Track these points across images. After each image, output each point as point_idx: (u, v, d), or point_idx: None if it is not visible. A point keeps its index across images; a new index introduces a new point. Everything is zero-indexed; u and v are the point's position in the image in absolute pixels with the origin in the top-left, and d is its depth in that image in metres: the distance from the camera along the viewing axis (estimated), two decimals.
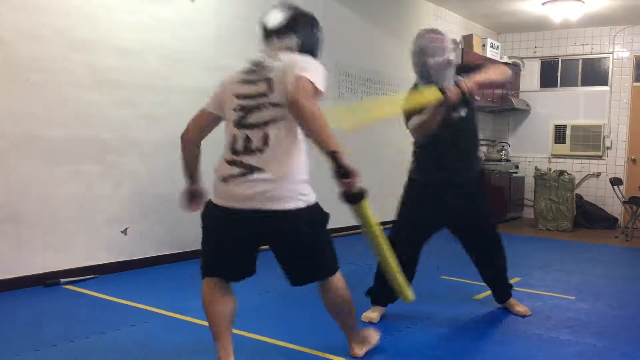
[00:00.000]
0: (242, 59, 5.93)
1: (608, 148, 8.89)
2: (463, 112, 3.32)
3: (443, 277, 4.67)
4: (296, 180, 2.35)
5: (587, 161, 9.05)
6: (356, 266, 4.73)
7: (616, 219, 8.55)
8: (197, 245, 5.07)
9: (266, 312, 3.61)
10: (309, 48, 2.55)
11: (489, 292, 4.22)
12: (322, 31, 2.71)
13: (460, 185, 3.41)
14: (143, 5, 4.56)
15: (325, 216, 2.54)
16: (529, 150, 9.52)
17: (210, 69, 5.10)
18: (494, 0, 7.66)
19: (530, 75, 9.49)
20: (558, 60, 9.32)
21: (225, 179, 2.38)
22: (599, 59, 9.01)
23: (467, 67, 3.49)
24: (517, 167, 9.29)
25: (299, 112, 2.16)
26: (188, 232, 5.00)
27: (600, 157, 8.95)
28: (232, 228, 2.36)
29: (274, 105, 2.32)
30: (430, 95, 2.98)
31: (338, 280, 2.60)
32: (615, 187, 7.83)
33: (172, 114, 4.82)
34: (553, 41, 9.30)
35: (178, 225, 4.91)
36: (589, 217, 8.48)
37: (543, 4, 7.59)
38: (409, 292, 2.74)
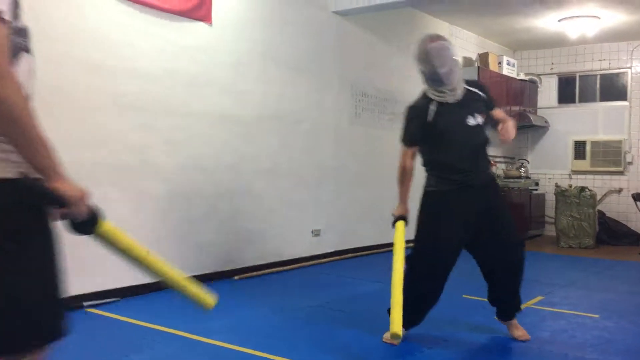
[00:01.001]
0: (260, 83, 6.04)
1: (629, 163, 8.79)
2: (480, 120, 3.33)
3: (465, 296, 4.63)
4: None
5: (608, 177, 8.95)
6: (382, 284, 4.72)
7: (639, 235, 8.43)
8: (216, 267, 5.12)
9: (285, 334, 3.61)
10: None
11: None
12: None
13: (481, 188, 3.33)
14: (162, 31, 4.66)
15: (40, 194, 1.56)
16: (548, 167, 9.44)
17: (229, 94, 5.18)
18: (509, 17, 7.68)
19: (548, 92, 9.45)
20: (575, 76, 9.28)
21: None
22: (617, 74, 8.96)
23: (473, 82, 3.51)
24: (537, 184, 9.21)
25: None
26: (208, 254, 5.05)
27: (621, 173, 8.85)
28: None
29: None
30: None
31: None
32: (638, 203, 7.73)
33: (191, 138, 4.89)
34: (570, 57, 9.28)
35: (199, 248, 4.95)
36: (612, 233, 8.36)
37: (559, 20, 7.58)
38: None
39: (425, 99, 3.36)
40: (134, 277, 4.48)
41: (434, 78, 3.23)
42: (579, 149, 9.11)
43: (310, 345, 3.38)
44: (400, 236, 3.26)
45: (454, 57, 3.23)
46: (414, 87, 7.44)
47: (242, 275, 5.22)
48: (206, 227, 5.03)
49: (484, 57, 8.60)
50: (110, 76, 4.32)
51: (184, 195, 4.84)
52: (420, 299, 3.35)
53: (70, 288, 4.27)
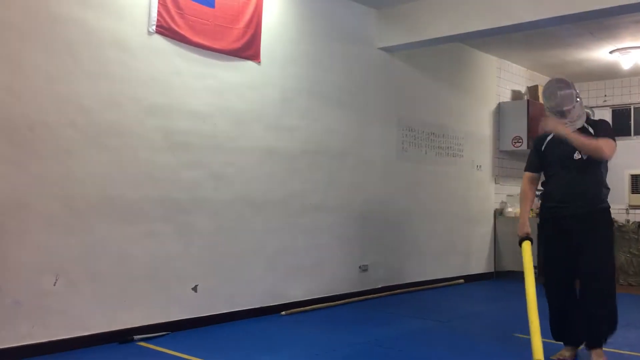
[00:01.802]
0: (306, 119, 6.14)
1: None
2: (584, 156, 3.66)
3: (515, 334, 4.48)
4: None
5: None
6: (429, 321, 4.62)
7: None
8: (263, 302, 5.14)
9: None
10: None
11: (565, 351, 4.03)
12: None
13: (574, 219, 3.65)
14: (212, 70, 4.80)
15: None
16: None
17: (275, 129, 5.26)
18: (559, 50, 7.58)
19: None
20: (630, 108, 9.03)
21: None
22: None
23: (593, 121, 3.88)
24: None
25: None
26: (255, 289, 5.06)
27: None
28: None
29: None
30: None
31: None
32: None
33: (239, 173, 4.97)
34: (624, 89, 9.05)
35: (246, 283, 4.98)
36: None
37: (610, 52, 7.44)
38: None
39: (547, 133, 3.86)
40: (184, 311, 4.55)
41: (555, 111, 3.73)
42: (636, 182, 8.80)
43: None
44: (529, 257, 3.54)
45: (576, 101, 3.72)
46: (460, 121, 7.44)
47: (289, 311, 5.20)
48: (254, 262, 5.06)
49: (533, 90, 8.48)
50: (162, 115, 4.46)
51: (231, 229, 4.90)
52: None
53: (121, 321, 4.37)
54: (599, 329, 3.66)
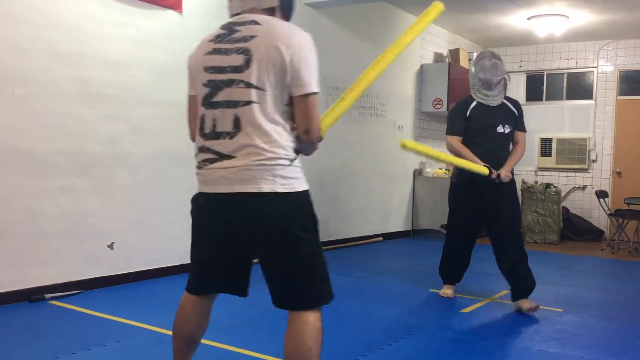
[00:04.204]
0: None
1: (593, 161, 8.98)
2: (507, 129, 4.17)
3: (432, 290, 4.67)
4: (276, 161, 1.98)
5: (573, 174, 9.13)
6: (351, 278, 4.72)
7: (602, 232, 8.62)
8: (183, 259, 5.06)
9: (251, 326, 3.58)
10: (288, 5, 2.16)
11: (477, 305, 4.25)
12: None
13: (496, 184, 4.04)
14: (131, 18, 4.56)
15: (314, 216, 2.11)
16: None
17: None
18: (480, 14, 7.74)
19: (516, 89, 9.58)
20: (543, 74, 9.43)
21: (198, 166, 2.12)
22: (584, 73, 9.13)
23: (512, 100, 4.32)
24: None
25: (311, 147, 2.11)
26: (175, 246, 4.98)
27: (585, 170, 9.03)
28: (213, 219, 2.10)
29: (249, 85, 1.96)
30: (479, 169, 3.92)
31: (314, 322, 2.03)
32: (601, 200, 7.90)
33: (160, 127, 4.81)
34: (538, 55, 9.41)
35: (166, 239, 4.88)
36: (576, 229, 8.54)
37: (528, 18, 7.68)
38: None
39: (468, 98, 4.22)
40: (98, 269, 4.41)
41: (483, 86, 4.11)
42: (545, 146, 9.27)
43: (278, 339, 3.35)
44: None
45: (503, 75, 4.14)
46: (385, 82, 7.50)
47: None
48: (176, 220, 4.96)
49: (454, 53, 8.66)
50: (77, 63, 4.21)
51: (152, 185, 4.76)
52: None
53: (32, 279, 4.20)
54: (528, 278, 4.09)
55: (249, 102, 1.97)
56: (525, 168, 9.44)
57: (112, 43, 4.44)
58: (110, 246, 4.47)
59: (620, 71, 8.85)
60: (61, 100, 4.13)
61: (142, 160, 4.69)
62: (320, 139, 2.10)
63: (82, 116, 4.27)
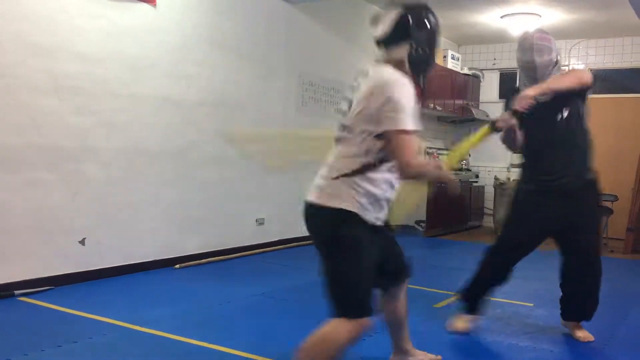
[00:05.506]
0: (205, 67, 5.93)
1: None
2: (565, 113, 3.31)
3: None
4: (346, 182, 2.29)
5: None
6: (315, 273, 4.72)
7: None
8: (156, 255, 5.02)
9: (225, 322, 3.57)
10: (416, 59, 2.25)
11: (449, 300, 4.28)
12: (435, 26, 2.41)
13: (566, 194, 3.25)
14: (104, 10, 4.49)
15: (346, 237, 2.27)
16: (488, 160, 9.69)
17: (172, 77, 5.05)
18: (455, 12, 7.80)
19: (490, 86, 9.69)
20: (517, 72, 9.53)
21: None
22: None
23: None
24: (477, 176, 9.44)
25: (408, 177, 2.24)
26: (148, 242, 4.93)
27: None
28: None
29: (344, 127, 2.32)
30: (479, 133, 3.09)
31: (332, 331, 2.18)
32: None
33: (133, 122, 4.76)
34: (512, 53, 9.42)
35: (138, 235, 4.83)
36: None
37: (501, 17, 7.76)
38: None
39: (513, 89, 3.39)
40: (69, 265, 4.35)
41: (528, 71, 3.29)
42: None
43: (251, 334, 3.35)
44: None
45: (554, 56, 3.29)
46: (350, 77, 7.49)
47: (183, 264, 5.13)
48: (147, 215, 4.91)
49: None
50: (48, 56, 4.13)
51: (123, 180, 4.71)
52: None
53: (0, 275, 4.12)
54: (593, 304, 3.43)
55: None
56: (498, 164, 9.55)
57: (84, 35, 4.37)
58: (82, 242, 4.41)
59: (591, 70, 9.00)
60: (31, 93, 4.05)
61: (114, 154, 4.63)
62: None
63: (53, 109, 4.20)
